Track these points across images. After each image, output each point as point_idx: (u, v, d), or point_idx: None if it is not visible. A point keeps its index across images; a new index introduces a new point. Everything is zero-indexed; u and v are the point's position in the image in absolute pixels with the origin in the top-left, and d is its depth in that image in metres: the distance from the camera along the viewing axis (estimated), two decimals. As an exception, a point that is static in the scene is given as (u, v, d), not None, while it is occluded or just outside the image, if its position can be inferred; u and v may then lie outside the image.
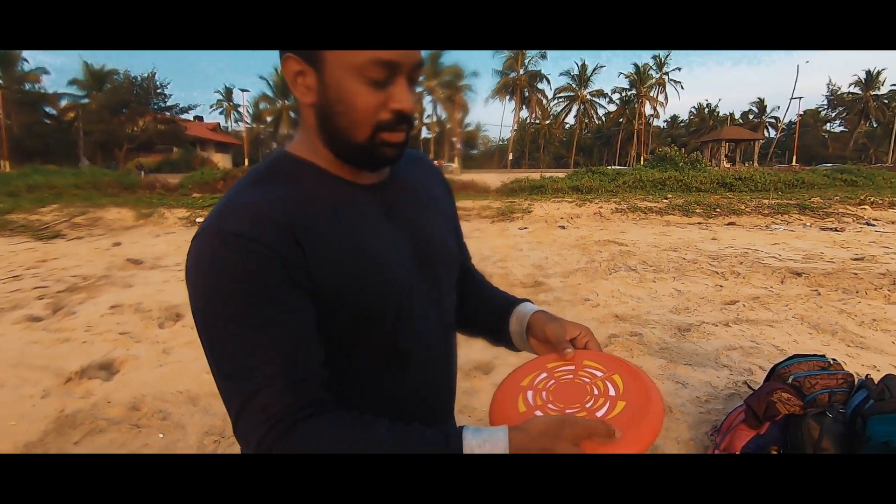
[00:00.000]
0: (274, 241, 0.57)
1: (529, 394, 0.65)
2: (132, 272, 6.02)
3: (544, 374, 0.69)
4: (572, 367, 0.69)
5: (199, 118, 45.31)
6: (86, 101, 33.72)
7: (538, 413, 0.61)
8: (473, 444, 0.53)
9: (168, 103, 34.94)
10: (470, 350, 3.15)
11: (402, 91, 0.62)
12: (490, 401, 0.68)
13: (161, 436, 2.42)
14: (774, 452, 2.08)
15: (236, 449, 0.65)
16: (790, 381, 2.24)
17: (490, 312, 0.86)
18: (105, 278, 5.66)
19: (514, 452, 0.53)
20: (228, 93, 53.19)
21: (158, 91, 33.95)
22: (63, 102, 34.87)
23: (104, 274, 5.89)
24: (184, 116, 37.09)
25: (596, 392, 0.62)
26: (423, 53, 0.64)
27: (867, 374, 2.24)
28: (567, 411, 0.60)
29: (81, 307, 4.48)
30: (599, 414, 0.58)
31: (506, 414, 0.63)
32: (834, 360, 2.34)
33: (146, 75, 33.69)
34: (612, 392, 0.62)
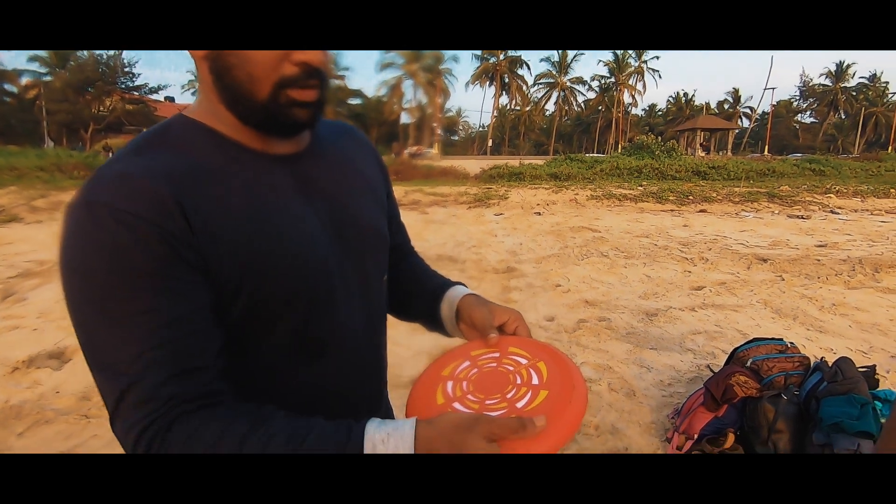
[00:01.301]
0: (152, 213, 0.50)
1: (449, 384, 0.62)
2: (93, 257, 5.80)
3: (467, 363, 0.65)
4: (497, 355, 0.65)
5: (170, 98, 43.67)
6: (48, 78, 32.18)
7: (456, 405, 0.58)
8: (377, 438, 0.48)
9: (137, 82, 33.53)
10: (423, 338, 3.12)
11: None
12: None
13: (111, 426, 2.32)
14: (731, 434, 2.11)
15: None
16: (749, 364, 2.27)
17: (423, 296, 0.81)
18: (63, 263, 5.43)
19: (420, 448, 0.48)
20: (201, 73, 51.36)
21: (126, 69, 32.48)
22: (24, 80, 33.22)
23: (62, 259, 5.66)
24: (154, 97, 35.74)
25: (518, 381, 0.59)
26: None
27: (822, 357, 2.29)
28: (487, 402, 0.57)
29: (33, 293, 4.28)
30: (520, 404, 0.55)
31: (422, 406, 0.59)
32: (791, 343, 2.38)
33: (112, 53, 32.26)
34: (535, 381, 0.59)
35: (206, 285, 0.53)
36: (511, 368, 0.62)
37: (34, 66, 32.43)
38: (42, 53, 31.70)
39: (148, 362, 0.48)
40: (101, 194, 0.50)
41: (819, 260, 5.60)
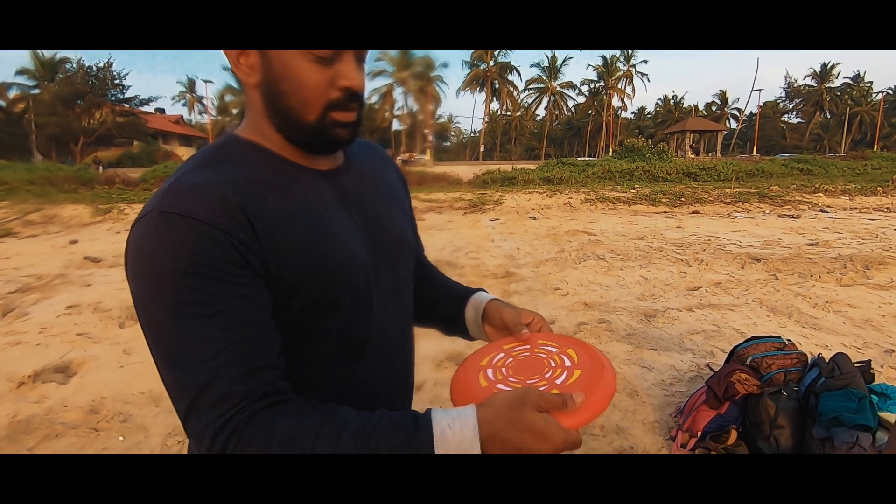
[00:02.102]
0: (225, 222, 0.54)
1: (489, 371, 0.66)
2: (91, 271, 5.78)
3: (502, 354, 0.70)
4: (528, 347, 0.71)
5: (160, 110, 43.55)
6: (36, 91, 31.96)
7: (500, 387, 0.62)
8: (444, 423, 0.52)
9: (127, 94, 33.39)
10: (441, 340, 3.16)
11: (350, 68, 0.60)
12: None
13: (122, 438, 2.33)
14: (734, 431, 2.16)
15: None
16: (748, 361, 2.33)
17: (446, 301, 0.86)
18: (61, 277, 5.41)
19: (483, 429, 0.52)
20: (191, 84, 51.40)
21: (116, 82, 32.34)
22: (12, 93, 32.97)
23: (60, 273, 5.63)
24: (144, 109, 35.60)
25: (553, 364, 0.65)
26: None
27: (819, 354, 2.35)
28: (528, 382, 0.61)
29: (35, 308, 4.27)
30: (559, 381, 0.60)
31: (467, 391, 0.64)
32: (789, 340, 2.44)
33: (102, 65, 32.11)
34: (567, 363, 0.64)
35: (267, 289, 0.57)
36: (543, 356, 0.67)
37: (22, 80, 32.22)
38: (30, 66, 31.49)
39: (222, 362, 0.51)
40: (176, 205, 0.54)
41: (811, 258, 5.70)
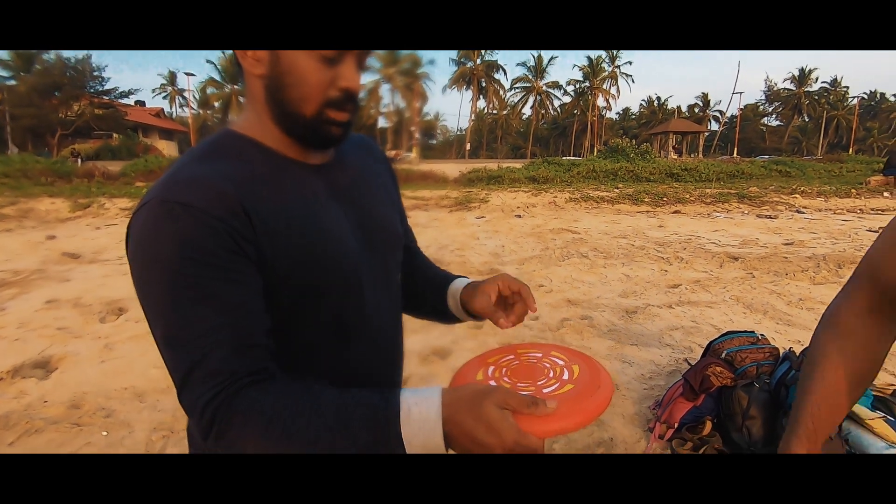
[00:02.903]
0: (222, 212, 0.57)
1: (491, 369, 0.69)
2: (69, 266, 5.67)
3: (512, 356, 0.73)
4: (540, 355, 0.73)
5: (140, 103, 42.67)
6: (12, 83, 31.05)
7: (492, 383, 0.65)
8: (410, 401, 0.55)
9: (106, 86, 32.69)
10: (427, 336, 3.20)
11: (351, 70, 0.64)
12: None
13: (105, 433, 2.32)
14: (709, 422, 2.24)
15: (186, 444, 0.64)
16: (723, 356, 2.41)
17: (433, 293, 0.89)
18: (39, 272, 5.31)
19: (445, 410, 0.54)
20: (172, 77, 50.46)
21: (95, 73, 31.65)
22: (-14, 84, 32.01)
23: (38, 268, 5.52)
24: (124, 101, 34.88)
25: (551, 375, 0.66)
26: None
27: (790, 348, 2.45)
28: (518, 385, 0.64)
29: (12, 303, 4.19)
30: (546, 391, 0.61)
31: (463, 380, 0.67)
32: (762, 335, 2.53)
33: (80, 57, 31.38)
34: (565, 377, 0.65)
35: (259, 274, 0.61)
36: (548, 365, 0.69)
37: (-3, 71, 31.28)
38: (5, 56, 30.58)
39: (212, 341, 0.55)
40: (176, 194, 0.57)
41: (786, 257, 5.87)
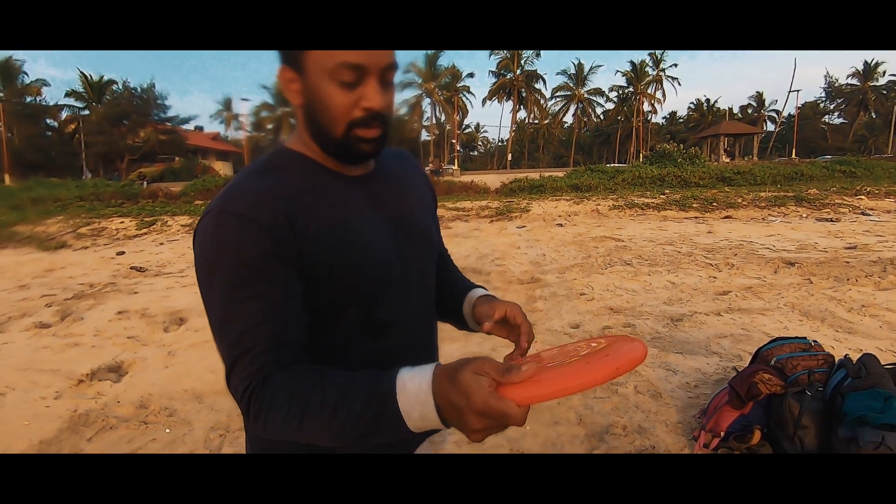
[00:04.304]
0: (268, 222, 0.67)
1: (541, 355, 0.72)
2: (137, 280, 6.14)
3: (557, 349, 0.73)
4: (584, 342, 0.71)
5: (199, 128, 45.64)
6: (86, 112, 33.99)
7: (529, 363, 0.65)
8: (406, 376, 0.60)
9: (168, 114, 35.23)
10: (467, 343, 3.25)
11: (372, 91, 0.70)
12: None
13: (168, 430, 2.52)
14: (758, 431, 2.16)
15: (241, 441, 0.74)
16: (773, 362, 2.32)
17: (454, 299, 0.95)
18: (111, 286, 5.78)
19: (435, 382, 0.58)
20: (228, 102, 53.58)
21: (158, 102, 34.20)
22: (64, 114, 35.20)
23: (110, 282, 6.01)
24: (184, 127, 37.36)
25: (587, 350, 0.63)
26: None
27: (846, 355, 2.32)
28: (542, 353, 0.69)
29: (89, 313, 4.59)
30: (550, 365, 0.61)
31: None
32: (815, 341, 2.42)
33: (145, 86, 33.99)
34: (584, 353, 0.63)
35: (299, 278, 0.70)
36: (583, 348, 0.66)
37: (71, 101, 34.33)
38: (79, 88, 33.51)
39: (254, 336, 0.65)
40: (231, 204, 0.67)
41: (848, 262, 5.52)
